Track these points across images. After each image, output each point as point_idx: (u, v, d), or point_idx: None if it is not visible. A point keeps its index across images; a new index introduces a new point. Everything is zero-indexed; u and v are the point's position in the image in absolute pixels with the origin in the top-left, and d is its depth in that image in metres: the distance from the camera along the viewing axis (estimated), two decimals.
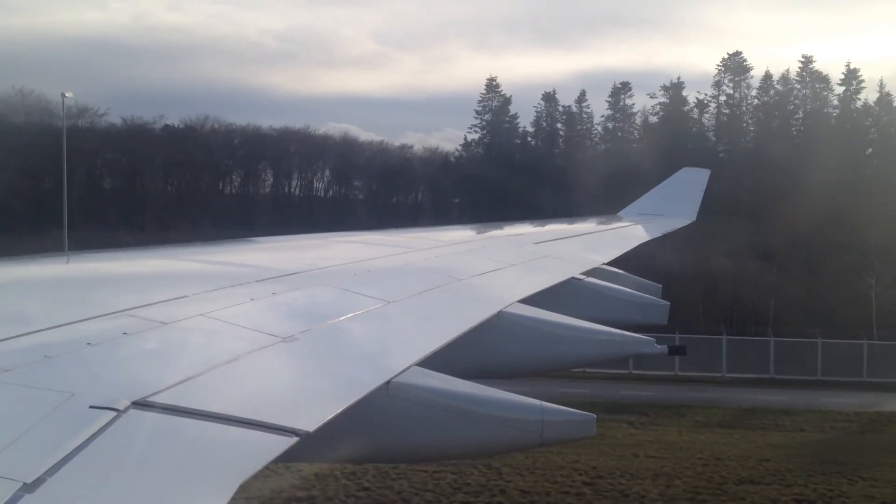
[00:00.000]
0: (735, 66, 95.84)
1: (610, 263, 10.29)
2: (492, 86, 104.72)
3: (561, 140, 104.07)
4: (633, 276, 10.04)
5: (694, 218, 18.32)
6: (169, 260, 6.53)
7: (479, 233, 12.60)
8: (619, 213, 18.45)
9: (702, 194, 19.60)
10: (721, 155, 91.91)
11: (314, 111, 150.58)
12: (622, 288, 8.89)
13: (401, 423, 3.90)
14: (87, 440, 2.38)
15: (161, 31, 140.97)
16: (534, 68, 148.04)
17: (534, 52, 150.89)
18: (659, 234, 15.29)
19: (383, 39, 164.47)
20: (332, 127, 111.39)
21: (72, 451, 2.30)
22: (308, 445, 2.86)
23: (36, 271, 5.42)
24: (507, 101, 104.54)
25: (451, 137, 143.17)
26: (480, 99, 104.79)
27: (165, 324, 3.70)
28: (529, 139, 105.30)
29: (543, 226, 15.01)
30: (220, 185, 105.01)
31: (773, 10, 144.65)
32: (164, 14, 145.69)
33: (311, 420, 2.95)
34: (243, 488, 2.41)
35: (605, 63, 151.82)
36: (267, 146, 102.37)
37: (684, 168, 22.10)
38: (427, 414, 3.95)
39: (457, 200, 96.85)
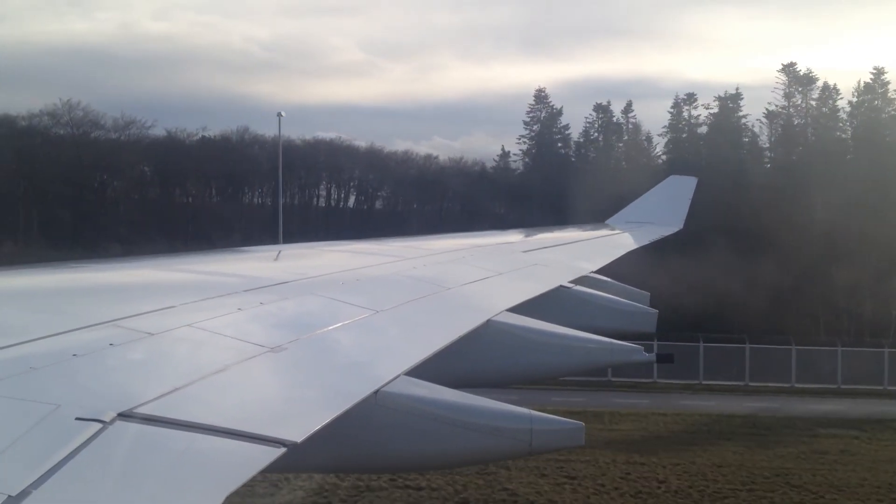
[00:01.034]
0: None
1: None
2: (540, 97, 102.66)
3: (613, 150, 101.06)
4: (620, 284, 10.07)
5: (681, 226, 18.40)
6: (157, 270, 6.52)
7: (468, 241, 12.62)
8: (608, 221, 18.52)
9: (689, 202, 19.70)
10: (768, 164, 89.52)
11: (301, 120, 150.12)
12: (610, 296, 8.91)
13: (389, 433, 3.90)
14: (72, 452, 2.37)
15: (147, 41, 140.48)
16: (522, 77, 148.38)
17: (522, 60, 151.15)
18: (647, 242, 15.36)
19: (370, 48, 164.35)
20: (320, 136, 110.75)
21: (57, 463, 2.29)
22: (296, 456, 2.85)
23: (22, 281, 5.40)
24: (557, 112, 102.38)
25: (439, 146, 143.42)
26: (529, 110, 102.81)
27: (152, 334, 3.68)
28: (583, 150, 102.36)
29: (532, 234, 15.07)
30: (252, 195, 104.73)
31: (768, 19, 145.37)
32: (151, 23, 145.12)
33: (298, 430, 2.94)
34: (230, 499, 2.40)
35: (594, 72, 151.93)
36: (295, 156, 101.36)
37: (672, 176, 22.20)
38: (415, 423, 3.95)
39: (494, 211, 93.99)
